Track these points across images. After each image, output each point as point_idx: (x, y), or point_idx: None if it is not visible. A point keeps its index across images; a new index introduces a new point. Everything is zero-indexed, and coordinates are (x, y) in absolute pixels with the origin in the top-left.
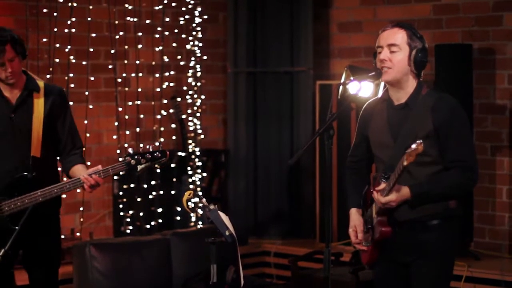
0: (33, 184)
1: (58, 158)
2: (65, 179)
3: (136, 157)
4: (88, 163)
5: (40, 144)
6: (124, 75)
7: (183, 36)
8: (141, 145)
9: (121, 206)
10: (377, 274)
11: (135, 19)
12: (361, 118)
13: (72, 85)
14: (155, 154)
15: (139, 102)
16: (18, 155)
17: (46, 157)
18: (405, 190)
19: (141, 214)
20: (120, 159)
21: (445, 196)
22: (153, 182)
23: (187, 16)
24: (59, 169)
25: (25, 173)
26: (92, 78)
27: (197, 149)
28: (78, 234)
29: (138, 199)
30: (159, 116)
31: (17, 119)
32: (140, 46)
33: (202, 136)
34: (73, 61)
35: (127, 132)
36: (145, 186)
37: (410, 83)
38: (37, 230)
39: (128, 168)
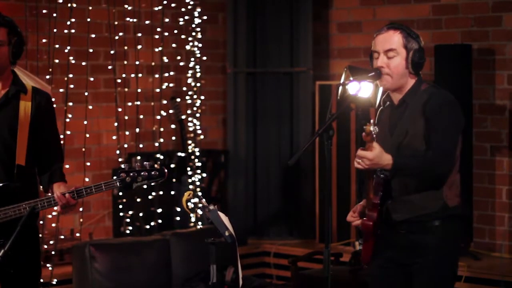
0: (16, 194)
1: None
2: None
3: (131, 174)
4: (88, 164)
5: (25, 152)
6: (123, 75)
7: (183, 36)
8: (141, 145)
9: (120, 206)
10: (371, 273)
11: (135, 20)
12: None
13: (72, 86)
14: (153, 173)
15: (138, 103)
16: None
17: (29, 166)
18: (386, 156)
19: (140, 214)
20: (129, 166)
21: (420, 171)
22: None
23: (186, 17)
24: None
25: (8, 183)
26: (92, 79)
27: (196, 149)
28: (77, 234)
29: (138, 200)
30: (158, 117)
31: None
32: (139, 46)
33: (202, 137)
34: (73, 61)
35: (127, 133)
36: (145, 186)
37: (409, 84)
38: (16, 242)
39: (122, 186)
